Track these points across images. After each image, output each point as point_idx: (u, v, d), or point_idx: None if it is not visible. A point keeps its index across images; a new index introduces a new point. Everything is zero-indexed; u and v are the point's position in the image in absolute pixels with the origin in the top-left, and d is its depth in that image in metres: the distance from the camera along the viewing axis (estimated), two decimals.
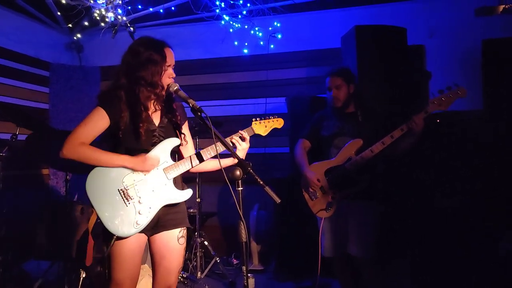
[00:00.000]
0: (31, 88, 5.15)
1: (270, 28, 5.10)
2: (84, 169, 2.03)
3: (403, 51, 3.91)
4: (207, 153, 2.16)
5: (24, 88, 5.03)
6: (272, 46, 5.18)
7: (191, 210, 4.50)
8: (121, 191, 2.01)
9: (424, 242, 3.41)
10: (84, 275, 3.02)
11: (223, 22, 4.91)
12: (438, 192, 3.46)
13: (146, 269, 3.38)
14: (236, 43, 5.20)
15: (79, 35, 5.25)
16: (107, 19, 4.33)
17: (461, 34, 4.54)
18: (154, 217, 2.07)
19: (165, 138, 2.15)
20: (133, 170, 2.05)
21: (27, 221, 3.89)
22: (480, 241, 3.24)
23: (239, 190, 1.83)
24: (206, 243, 4.25)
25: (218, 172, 1.92)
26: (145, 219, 2.04)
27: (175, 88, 2.10)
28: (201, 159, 2.16)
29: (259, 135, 2.31)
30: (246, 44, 5.20)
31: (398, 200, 3.46)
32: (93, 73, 5.58)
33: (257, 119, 2.31)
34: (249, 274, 3.50)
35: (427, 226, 3.42)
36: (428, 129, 2.76)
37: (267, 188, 1.79)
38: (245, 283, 1.73)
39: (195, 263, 4.18)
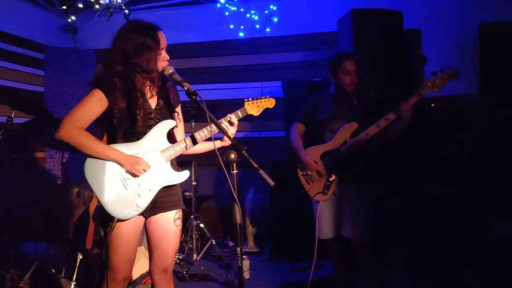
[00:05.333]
0: (26, 70, 5.10)
1: (266, 11, 5.07)
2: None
3: (399, 35, 3.90)
4: (202, 134, 2.17)
5: (18, 70, 4.98)
6: (268, 29, 5.15)
7: (187, 193, 4.53)
8: (120, 175, 2.02)
9: (417, 228, 3.44)
10: (81, 257, 3.05)
11: (218, 5, 4.87)
12: (429, 178, 3.47)
13: (143, 251, 3.42)
14: (231, 26, 5.16)
15: (73, 17, 5.18)
16: (101, 1, 4.28)
17: (458, 18, 4.51)
18: (152, 199, 2.09)
19: (161, 120, 2.14)
20: (122, 166, 2.02)
21: (23, 203, 3.90)
22: (471, 226, 3.27)
23: (233, 173, 1.85)
24: (202, 225, 4.29)
25: (214, 156, 1.94)
26: (145, 201, 2.06)
27: (170, 71, 2.10)
28: (195, 141, 2.18)
29: (251, 115, 2.37)
30: (242, 27, 5.16)
31: (392, 184, 3.49)
32: (88, 56, 5.53)
33: (249, 99, 2.36)
34: (244, 256, 3.58)
35: (419, 212, 3.44)
36: (421, 115, 2.77)
37: (262, 171, 1.81)
38: (239, 264, 1.76)
39: (191, 245, 4.23)
